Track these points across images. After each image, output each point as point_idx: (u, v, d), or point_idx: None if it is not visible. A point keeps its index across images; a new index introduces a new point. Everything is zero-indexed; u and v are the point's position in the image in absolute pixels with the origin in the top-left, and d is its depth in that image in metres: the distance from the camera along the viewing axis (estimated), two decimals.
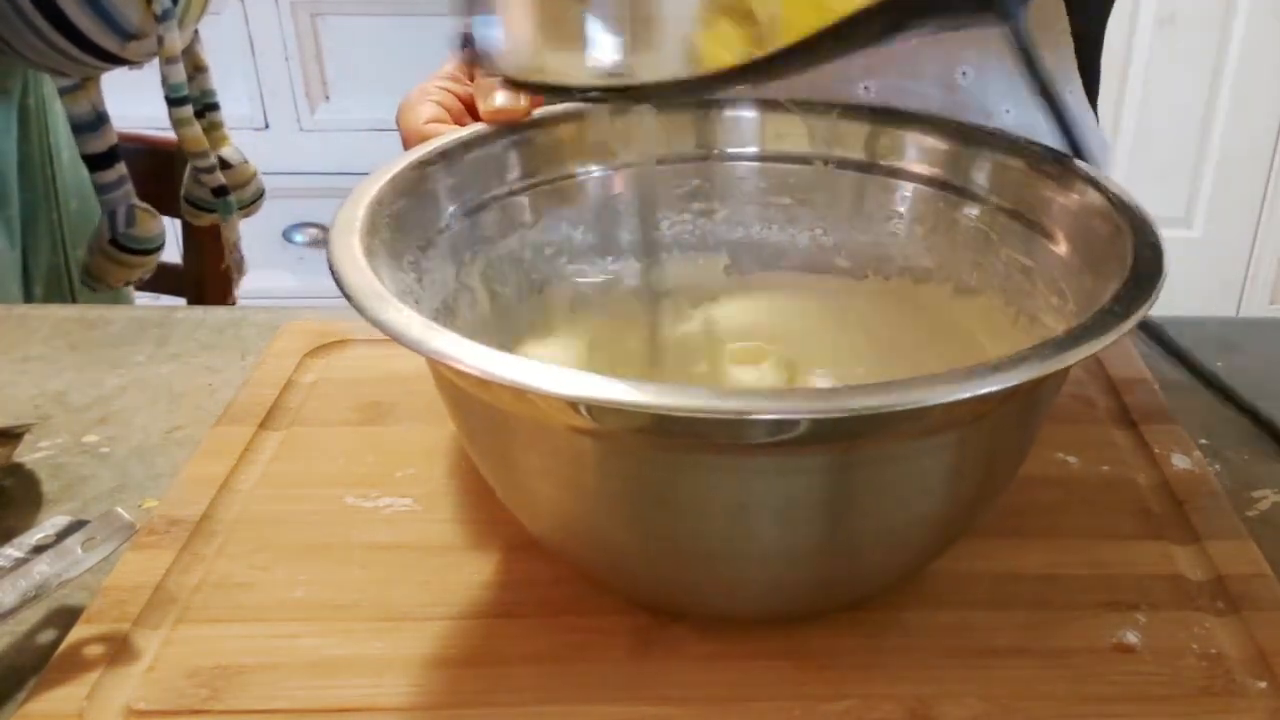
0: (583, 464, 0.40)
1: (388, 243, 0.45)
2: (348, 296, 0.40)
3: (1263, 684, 0.43)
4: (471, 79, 0.58)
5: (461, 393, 0.42)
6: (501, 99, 0.53)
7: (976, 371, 0.36)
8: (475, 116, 0.55)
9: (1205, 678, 0.43)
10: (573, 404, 0.37)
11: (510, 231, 0.53)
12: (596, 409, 0.37)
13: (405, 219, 0.47)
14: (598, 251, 0.56)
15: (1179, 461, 0.55)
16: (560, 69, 0.45)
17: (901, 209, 0.56)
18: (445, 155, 0.51)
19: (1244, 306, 2.13)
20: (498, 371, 0.36)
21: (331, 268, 0.41)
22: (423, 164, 0.50)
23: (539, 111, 0.55)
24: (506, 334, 0.52)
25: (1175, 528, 0.51)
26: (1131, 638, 0.45)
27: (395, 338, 0.38)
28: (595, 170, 0.55)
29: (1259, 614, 0.46)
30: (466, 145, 0.52)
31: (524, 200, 0.54)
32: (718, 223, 0.58)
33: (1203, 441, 0.58)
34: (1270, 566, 0.48)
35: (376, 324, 0.38)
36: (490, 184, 0.53)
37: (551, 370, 0.36)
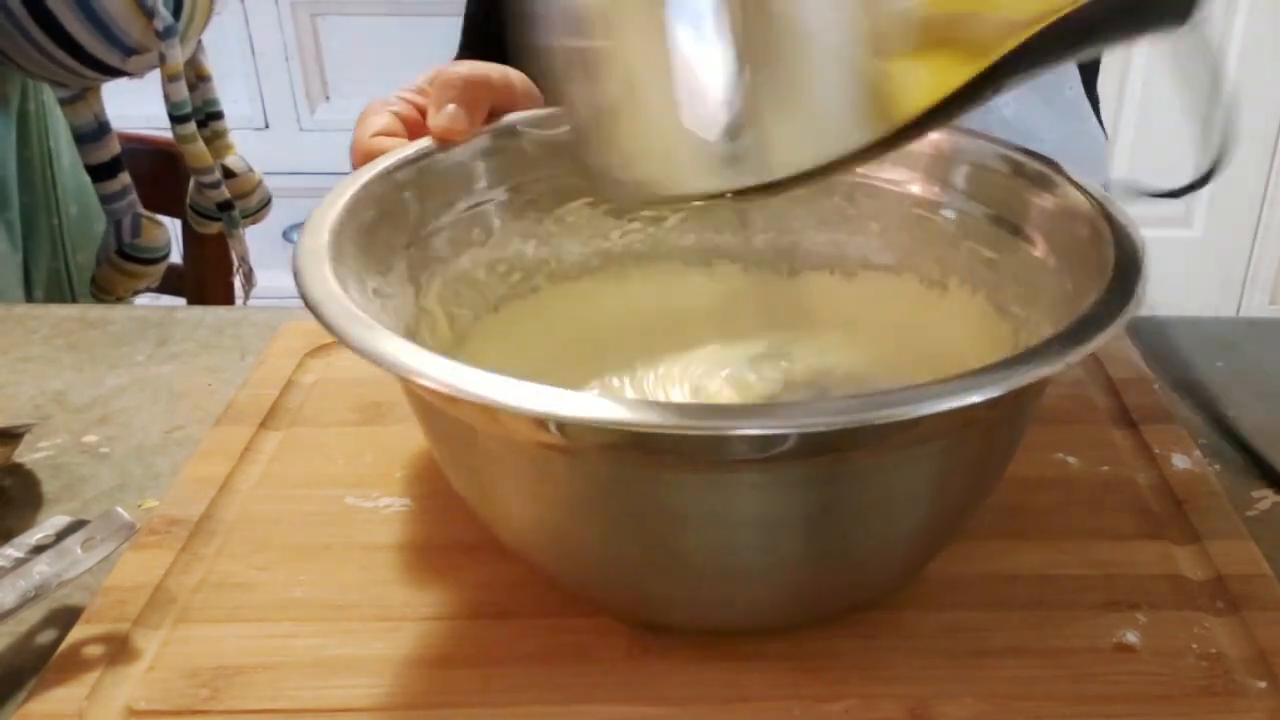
0: (558, 483, 0.40)
1: (354, 271, 0.44)
2: (321, 319, 0.40)
3: (1263, 684, 0.43)
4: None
5: (434, 411, 0.42)
6: (451, 112, 0.52)
7: (962, 382, 0.36)
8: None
9: (1205, 678, 0.43)
10: (541, 422, 0.36)
11: (462, 250, 0.52)
12: (568, 426, 0.36)
13: (364, 244, 0.46)
14: (551, 265, 0.55)
15: (1179, 461, 0.55)
16: (678, 179, 0.38)
17: (858, 210, 0.56)
18: (392, 173, 0.50)
19: (1244, 306, 2.13)
20: (467, 388, 0.35)
21: (302, 292, 0.41)
22: (373, 184, 0.49)
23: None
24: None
25: (1175, 528, 0.51)
26: (1131, 638, 0.45)
27: (373, 360, 0.38)
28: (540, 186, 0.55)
29: (1259, 614, 0.46)
30: (413, 161, 0.51)
31: (472, 218, 0.53)
32: (668, 230, 0.57)
33: (1203, 441, 0.58)
34: (1270, 566, 0.48)
35: (346, 343, 0.38)
36: (441, 202, 0.52)
37: (522, 387, 0.35)
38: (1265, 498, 0.55)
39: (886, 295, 0.55)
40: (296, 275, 0.42)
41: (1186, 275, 2.06)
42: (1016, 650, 0.45)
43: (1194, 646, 0.45)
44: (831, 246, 0.57)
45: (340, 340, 0.39)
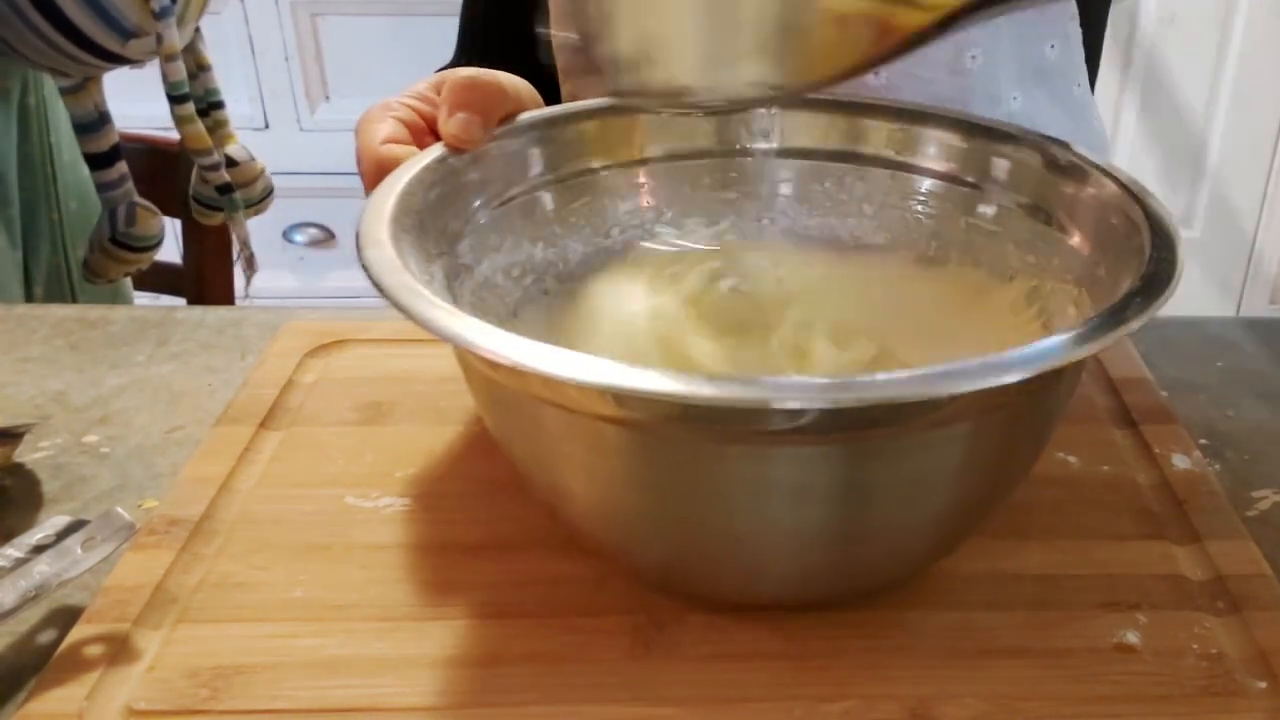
0: (609, 451, 0.41)
1: (415, 274, 0.45)
2: (383, 292, 0.41)
3: (1263, 684, 0.43)
4: (437, 94, 0.56)
5: (493, 383, 0.43)
6: (464, 119, 0.52)
7: (997, 361, 0.36)
8: (437, 136, 0.54)
9: (1205, 678, 0.43)
10: (602, 393, 0.38)
11: (483, 257, 0.52)
12: (624, 397, 0.38)
13: (412, 252, 0.46)
14: (558, 266, 0.56)
15: (1179, 461, 0.55)
16: (695, 85, 0.41)
17: (849, 194, 0.57)
18: (425, 179, 0.50)
19: (1244, 306, 2.13)
20: (530, 362, 0.37)
21: (375, 280, 0.42)
22: (408, 191, 0.49)
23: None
24: None
25: (1175, 528, 0.51)
26: (1131, 638, 0.45)
27: (442, 335, 0.39)
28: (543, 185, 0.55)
29: (1259, 614, 0.46)
30: (442, 165, 0.51)
31: (487, 222, 0.53)
32: (665, 223, 0.58)
33: (1203, 441, 0.58)
34: (1270, 566, 0.48)
35: (417, 319, 0.39)
36: (461, 207, 0.52)
37: (584, 360, 0.36)
38: (1265, 498, 0.55)
39: (890, 274, 0.56)
40: (366, 267, 0.42)
41: (1187, 275, 2.06)
42: (1017, 650, 0.45)
43: (1194, 646, 0.45)
44: (826, 230, 0.57)
45: (417, 322, 0.39)
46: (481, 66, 0.56)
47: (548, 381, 0.38)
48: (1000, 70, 0.73)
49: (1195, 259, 2.06)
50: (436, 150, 0.52)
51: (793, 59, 0.40)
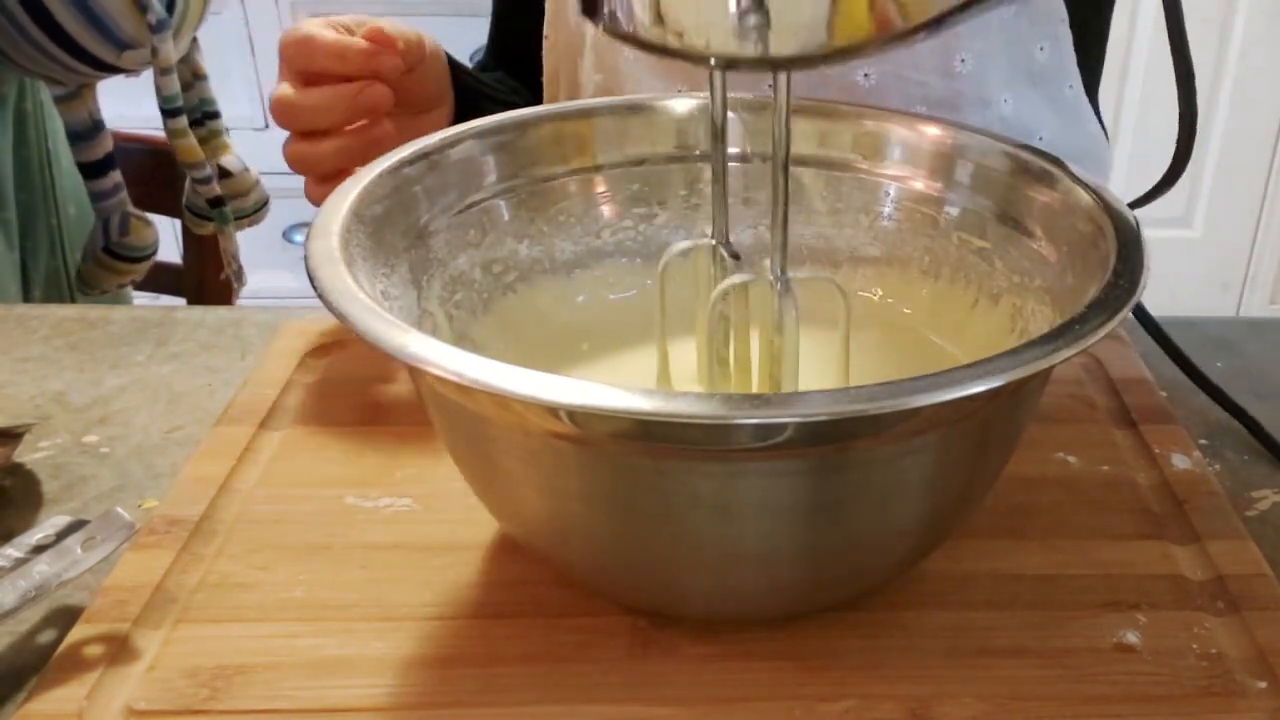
0: (566, 471, 0.40)
1: (365, 270, 0.44)
2: (327, 303, 0.40)
3: (1263, 684, 0.43)
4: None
5: (445, 401, 0.42)
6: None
7: (962, 374, 0.36)
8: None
9: (1205, 678, 0.43)
10: (553, 410, 0.36)
11: (459, 252, 0.52)
12: (579, 415, 0.36)
13: (370, 247, 0.46)
14: (542, 265, 0.55)
15: (1179, 461, 0.55)
16: (698, 34, 0.41)
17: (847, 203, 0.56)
18: (393, 173, 0.50)
19: (1244, 306, 2.13)
20: (480, 378, 0.36)
21: (313, 279, 0.41)
22: (374, 185, 0.49)
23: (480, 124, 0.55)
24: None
25: (1175, 528, 0.51)
26: (1131, 638, 0.45)
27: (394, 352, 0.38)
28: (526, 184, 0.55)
29: (1259, 614, 0.46)
30: (413, 161, 0.51)
31: (467, 218, 0.53)
32: (658, 227, 0.57)
33: (1203, 441, 0.58)
34: (1270, 566, 0.48)
35: (364, 335, 0.39)
36: (434, 204, 0.52)
37: (534, 376, 0.36)
38: (1265, 498, 0.55)
39: (876, 286, 0.56)
40: (311, 275, 0.42)
41: (1186, 275, 2.06)
42: (1017, 650, 0.45)
43: (1194, 646, 0.45)
44: (820, 240, 0.57)
45: (357, 332, 0.39)
46: (507, 59, 0.56)
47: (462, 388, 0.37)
48: (990, 73, 0.73)
49: (1195, 259, 2.06)
50: (422, 141, 0.52)
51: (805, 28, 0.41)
